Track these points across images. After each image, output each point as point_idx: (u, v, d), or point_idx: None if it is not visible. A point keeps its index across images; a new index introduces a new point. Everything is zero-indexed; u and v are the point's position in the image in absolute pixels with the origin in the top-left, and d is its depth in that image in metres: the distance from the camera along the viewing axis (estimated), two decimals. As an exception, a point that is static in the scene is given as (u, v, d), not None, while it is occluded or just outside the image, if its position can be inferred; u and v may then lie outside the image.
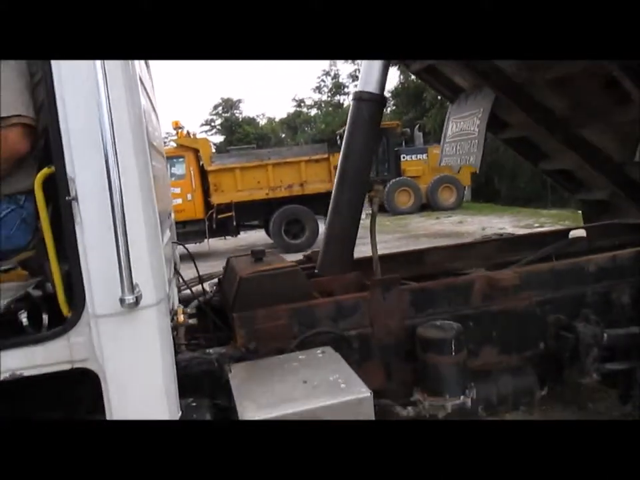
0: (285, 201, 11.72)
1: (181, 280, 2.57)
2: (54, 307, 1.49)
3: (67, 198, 1.36)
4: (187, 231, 11.04)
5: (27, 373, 1.46)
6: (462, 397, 2.11)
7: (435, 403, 2.11)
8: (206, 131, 47.17)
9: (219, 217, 11.33)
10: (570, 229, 3.64)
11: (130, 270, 1.33)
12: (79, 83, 1.33)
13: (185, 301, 2.57)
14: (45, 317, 1.53)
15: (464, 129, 3.81)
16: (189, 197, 11.40)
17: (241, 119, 46.73)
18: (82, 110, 1.34)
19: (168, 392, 1.52)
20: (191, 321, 1.92)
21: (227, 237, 12.08)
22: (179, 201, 11.42)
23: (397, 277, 2.28)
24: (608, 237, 3.47)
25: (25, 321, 1.51)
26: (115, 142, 1.29)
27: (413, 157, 18.62)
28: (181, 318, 1.80)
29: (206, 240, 11.35)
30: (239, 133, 42.08)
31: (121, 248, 1.32)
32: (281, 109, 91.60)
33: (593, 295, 2.49)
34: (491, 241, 3.52)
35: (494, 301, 2.38)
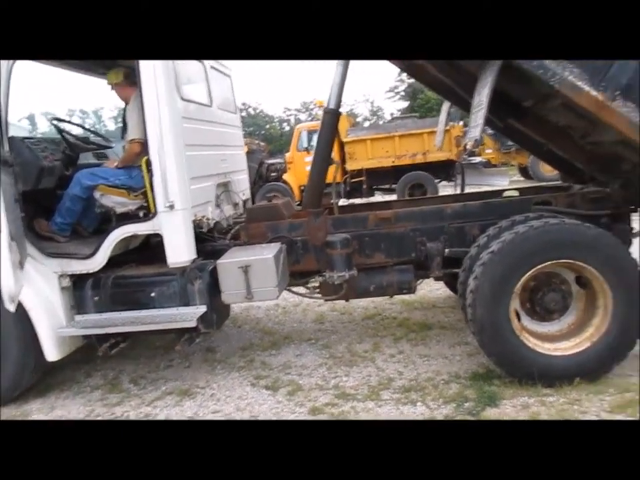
0: (409, 167, 13.46)
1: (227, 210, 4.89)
2: (149, 209, 3.87)
3: (149, 167, 3.70)
4: (326, 192, 13.52)
5: (139, 233, 3.89)
6: (344, 273, 4.06)
7: (331, 274, 4.09)
8: (389, 97, 48.84)
9: (352, 180, 13.60)
10: (505, 190, 5.10)
11: (168, 193, 3.65)
12: (150, 113, 3.62)
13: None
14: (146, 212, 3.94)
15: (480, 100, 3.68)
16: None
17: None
18: (151, 127, 3.64)
19: (188, 245, 3.81)
20: (207, 221, 4.15)
21: (361, 198, 14.28)
22: (320, 167, 13.94)
23: (322, 210, 4.28)
24: (539, 194, 4.83)
25: (140, 214, 3.94)
26: (164, 149, 3.60)
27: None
28: (199, 218, 4.03)
29: (341, 200, 13.70)
30: (420, 98, 43.00)
31: (166, 186, 3.64)
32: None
33: (450, 228, 4.14)
34: (445, 196, 5.19)
35: (381, 227, 4.22)
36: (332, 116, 4.51)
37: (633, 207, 4.21)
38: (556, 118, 4.05)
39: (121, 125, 4.78)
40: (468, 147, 3.33)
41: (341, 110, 4.34)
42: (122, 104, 4.46)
